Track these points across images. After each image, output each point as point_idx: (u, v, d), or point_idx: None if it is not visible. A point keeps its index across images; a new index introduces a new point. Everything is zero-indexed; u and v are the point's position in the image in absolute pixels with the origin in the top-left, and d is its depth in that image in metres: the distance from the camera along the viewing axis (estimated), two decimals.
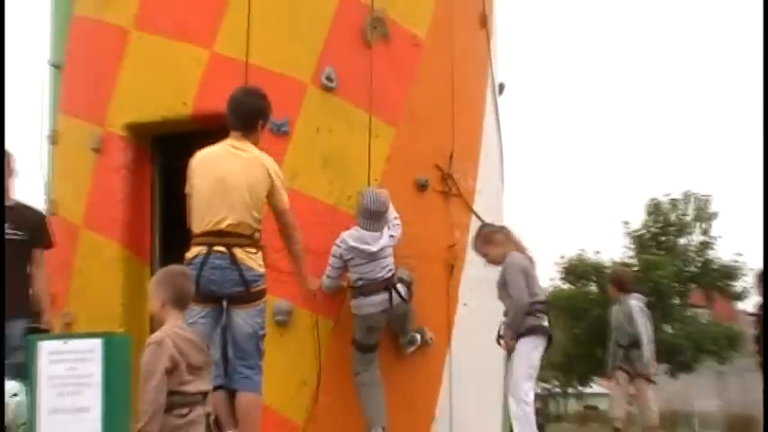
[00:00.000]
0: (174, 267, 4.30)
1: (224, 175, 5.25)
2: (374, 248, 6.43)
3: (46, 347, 4.25)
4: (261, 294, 5.26)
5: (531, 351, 6.68)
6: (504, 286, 6.82)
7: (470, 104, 7.98)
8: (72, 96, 7.73)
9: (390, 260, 6.57)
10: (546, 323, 6.79)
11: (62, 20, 7.92)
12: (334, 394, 6.63)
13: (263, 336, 5.32)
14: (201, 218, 5.24)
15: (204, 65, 6.91)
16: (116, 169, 7.21)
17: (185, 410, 3.84)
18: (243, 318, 5.21)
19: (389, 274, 6.50)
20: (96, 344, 4.25)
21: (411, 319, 6.81)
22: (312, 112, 6.94)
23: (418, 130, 7.29)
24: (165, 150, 7.54)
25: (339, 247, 6.48)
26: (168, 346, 3.84)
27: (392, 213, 6.71)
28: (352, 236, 6.48)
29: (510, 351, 6.77)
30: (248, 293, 5.16)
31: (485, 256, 7.07)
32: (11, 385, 4.50)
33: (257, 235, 5.28)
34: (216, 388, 5.06)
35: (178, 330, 3.97)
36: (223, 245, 5.12)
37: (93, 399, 4.14)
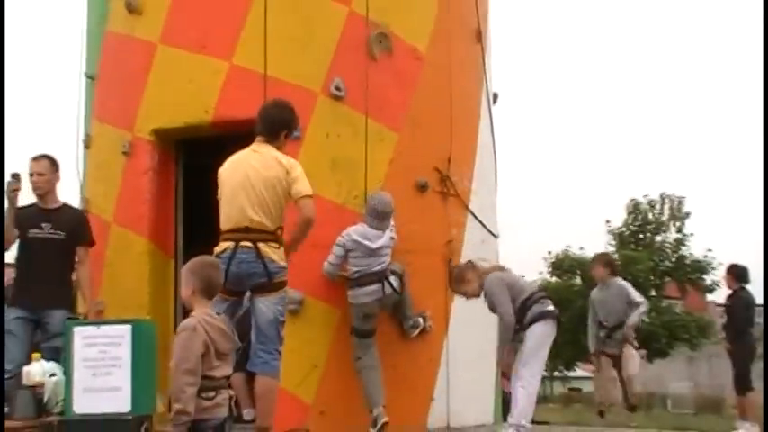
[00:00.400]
0: (206, 258, 4.24)
1: (246, 175, 5.26)
2: (374, 245, 6.48)
3: (80, 332, 4.25)
4: (282, 285, 5.27)
5: (543, 338, 6.34)
6: (494, 310, 6.50)
7: (467, 112, 7.96)
8: (104, 104, 7.73)
9: (387, 258, 6.59)
10: (551, 307, 6.52)
11: (96, 35, 7.91)
12: (341, 377, 6.62)
13: (283, 323, 5.30)
14: (228, 216, 5.26)
15: (224, 76, 6.90)
16: (144, 171, 7.21)
17: (212, 393, 3.78)
18: (265, 305, 5.20)
19: (383, 268, 6.53)
20: (126, 329, 4.24)
21: (409, 305, 6.81)
22: (322, 119, 6.93)
23: (419, 136, 7.28)
24: (188, 154, 7.54)
25: (343, 238, 6.52)
26: (201, 332, 3.78)
27: (391, 221, 6.73)
28: (357, 231, 6.51)
29: (505, 371, 6.44)
30: (271, 283, 5.18)
31: (464, 294, 6.70)
32: (49, 366, 4.50)
33: (280, 231, 5.27)
34: (235, 370, 5.08)
35: (208, 318, 3.89)
36: (249, 240, 5.15)
37: (123, 379, 4.14)
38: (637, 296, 8.48)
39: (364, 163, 6.96)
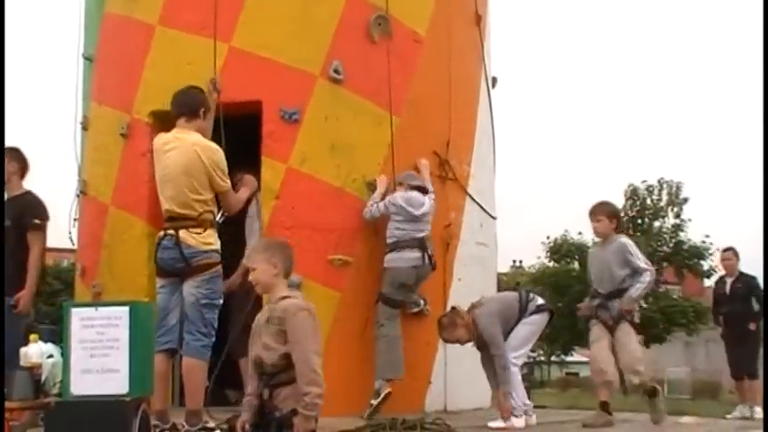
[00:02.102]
0: (284, 240, 4.27)
1: (166, 167, 5.42)
2: (418, 212, 6.65)
3: (78, 314, 4.24)
4: (203, 268, 5.32)
5: (534, 326, 6.50)
6: (483, 348, 6.46)
7: (466, 96, 7.94)
8: (102, 86, 7.69)
9: (428, 226, 6.75)
10: (542, 301, 6.59)
11: (94, 16, 7.87)
12: (340, 361, 6.62)
13: (206, 305, 5.33)
14: (161, 205, 5.51)
15: (223, 58, 6.86)
16: (142, 153, 7.17)
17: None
18: (187, 288, 5.33)
19: (424, 236, 6.69)
20: (123, 311, 4.24)
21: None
22: (321, 102, 6.91)
23: (418, 120, 7.26)
24: None
25: (391, 203, 6.67)
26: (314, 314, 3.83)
27: (429, 186, 6.98)
28: (403, 197, 6.68)
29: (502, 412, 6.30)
30: (189, 267, 5.33)
31: (458, 341, 6.50)
32: (47, 347, 4.50)
33: (206, 215, 5.35)
34: (168, 351, 5.32)
35: (302, 299, 3.94)
36: (172, 228, 5.36)
37: (120, 361, 4.14)
38: (641, 261, 6.62)
39: (363, 146, 6.95)
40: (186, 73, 6.92)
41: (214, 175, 5.36)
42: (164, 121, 7.23)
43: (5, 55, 6.43)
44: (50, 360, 4.47)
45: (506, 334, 6.38)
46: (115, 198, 7.30)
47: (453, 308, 6.62)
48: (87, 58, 7.93)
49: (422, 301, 7.01)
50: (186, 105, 5.57)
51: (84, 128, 7.85)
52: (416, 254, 6.63)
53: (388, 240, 6.68)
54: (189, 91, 5.72)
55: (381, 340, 6.57)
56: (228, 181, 5.50)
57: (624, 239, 6.80)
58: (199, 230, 5.31)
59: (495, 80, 8.76)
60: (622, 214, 33.09)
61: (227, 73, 6.79)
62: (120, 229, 7.20)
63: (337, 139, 6.88)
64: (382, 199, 6.76)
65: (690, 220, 33.06)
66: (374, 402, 6.34)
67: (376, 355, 6.56)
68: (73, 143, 7.86)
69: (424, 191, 6.85)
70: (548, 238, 32.82)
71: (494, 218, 8.46)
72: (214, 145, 5.51)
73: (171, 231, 5.35)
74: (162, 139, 5.57)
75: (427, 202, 6.78)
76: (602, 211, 6.78)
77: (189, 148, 5.36)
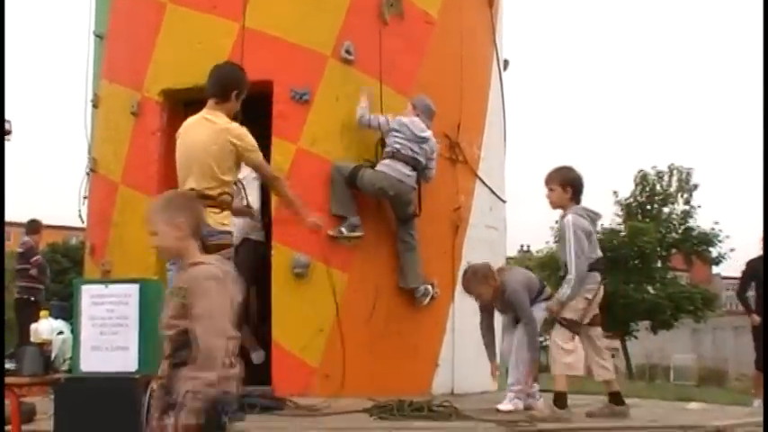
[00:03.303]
0: (186, 192, 3.69)
1: (190, 144, 5.38)
2: (421, 134, 6.73)
3: (88, 291, 4.25)
4: (218, 248, 5.28)
5: (544, 314, 6.26)
6: (506, 311, 6.39)
7: (477, 79, 7.91)
8: (113, 64, 7.69)
9: (425, 158, 6.79)
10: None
11: None
12: (347, 341, 6.65)
13: None
14: (179, 182, 5.45)
15: (234, 37, 6.84)
16: (152, 132, 7.18)
17: (232, 360, 3.06)
18: None
19: (422, 159, 6.76)
20: (133, 289, 4.24)
21: (417, 261, 6.89)
22: (332, 82, 6.89)
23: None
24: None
25: (395, 120, 6.72)
26: (228, 283, 3.14)
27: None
28: (406, 117, 6.76)
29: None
30: (204, 246, 5.27)
31: (478, 297, 6.28)
32: (57, 324, 4.52)
33: (224, 197, 5.33)
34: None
35: (221, 265, 3.23)
36: None
37: (130, 338, 4.15)
38: (572, 254, 5.72)
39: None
40: (197, 51, 6.93)
41: (247, 155, 5.32)
42: (174, 100, 7.26)
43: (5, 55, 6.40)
44: (61, 336, 4.49)
45: None
46: (125, 176, 7.32)
47: (489, 265, 6.35)
48: (98, 36, 7.92)
49: (430, 288, 6.98)
50: (218, 86, 5.47)
51: (95, 106, 7.86)
52: (407, 170, 6.69)
53: (386, 149, 6.75)
54: (223, 70, 5.59)
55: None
56: (260, 153, 5.44)
57: (569, 217, 5.83)
58: (217, 210, 5.30)
59: (506, 63, 8.72)
60: (632, 200, 33.44)
61: (238, 52, 6.77)
62: (129, 208, 7.21)
63: (348, 120, 6.86)
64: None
65: (699, 206, 33.01)
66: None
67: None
68: (83, 121, 7.87)
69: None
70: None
71: (503, 201, 8.44)
72: (241, 128, 5.43)
73: None
74: (191, 120, 5.53)
75: (431, 138, 6.83)
76: (553, 178, 5.96)
77: (218, 134, 5.30)
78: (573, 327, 5.82)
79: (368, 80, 6.95)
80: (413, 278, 6.87)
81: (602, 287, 5.96)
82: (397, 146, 6.68)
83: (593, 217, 6.01)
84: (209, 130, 5.33)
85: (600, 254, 6.02)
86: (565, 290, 5.77)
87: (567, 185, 5.92)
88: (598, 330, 6.09)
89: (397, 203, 6.81)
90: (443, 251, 7.20)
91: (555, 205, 6.02)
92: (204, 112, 5.45)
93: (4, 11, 6.30)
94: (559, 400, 5.74)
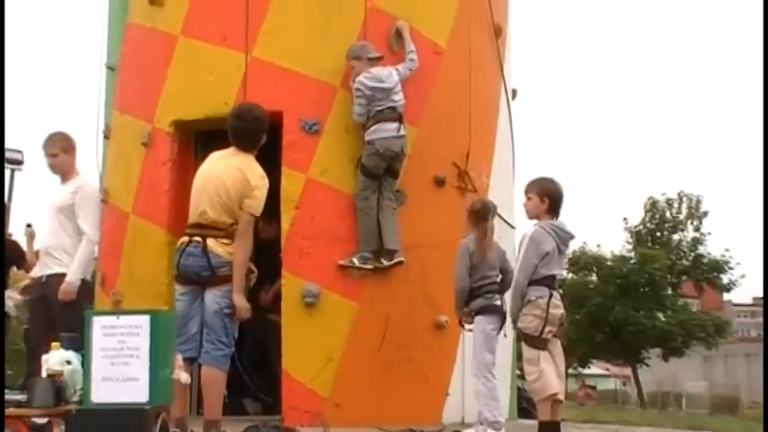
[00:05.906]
0: None
1: (207, 176, 5.47)
2: (389, 84, 6.74)
3: (100, 322, 4.26)
4: (228, 278, 5.32)
5: (485, 326, 6.05)
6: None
7: (485, 108, 7.93)
8: (124, 95, 7.75)
9: (401, 95, 6.82)
10: (497, 302, 6.15)
11: (117, 27, 7.93)
12: (357, 370, 6.62)
13: (229, 314, 5.33)
14: (190, 213, 5.52)
15: (244, 68, 6.90)
16: (163, 162, 7.22)
17: None
18: (210, 297, 5.34)
19: (397, 105, 6.78)
20: (144, 320, 4.24)
21: (393, 237, 6.84)
22: (341, 113, 6.92)
23: (437, 131, 7.25)
24: (208, 145, 7.53)
25: (360, 90, 6.71)
26: None
27: (409, 46, 7.04)
28: (367, 77, 6.72)
29: (461, 325, 6.29)
30: (215, 277, 5.32)
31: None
32: (66, 354, 4.52)
33: (235, 228, 5.35)
34: (188, 359, 5.30)
35: None
36: (200, 236, 5.37)
37: (141, 369, 4.14)
38: (517, 265, 5.89)
39: None
40: (208, 83, 6.99)
41: (248, 201, 5.33)
42: (185, 131, 7.31)
43: (5, 54, 6.43)
44: (69, 367, 4.49)
45: None
46: (136, 206, 7.35)
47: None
48: (110, 68, 7.99)
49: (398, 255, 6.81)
50: (248, 140, 5.53)
51: (107, 136, 7.91)
52: (396, 125, 6.74)
53: (369, 115, 6.74)
54: (251, 119, 5.58)
55: (360, 213, 6.75)
56: (259, 211, 5.42)
57: (532, 228, 5.79)
58: (227, 241, 5.33)
59: (515, 92, 8.76)
60: (642, 227, 33.32)
61: (249, 83, 6.83)
62: (140, 237, 7.23)
63: (357, 150, 6.89)
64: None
65: (709, 233, 32.90)
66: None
67: (358, 228, 6.76)
68: (95, 151, 7.92)
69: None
70: None
71: (513, 227, 8.44)
72: (264, 177, 5.48)
73: (197, 238, 5.37)
74: (217, 153, 5.63)
75: (393, 72, 6.83)
76: (532, 188, 5.88)
77: (235, 167, 5.39)
78: (534, 342, 5.58)
79: None
80: (394, 240, 6.82)
81: (556, 304, 5.69)
82: (376, 109, 6.71)
83: (563, 236, 5.82)
84: (225, 165, 5.42)
85: (555, 272, 5.79)
86: (508, 304, 5.82)
87: (544, 196, 5.80)
88: (557, 345, 5.77)
89: (397, 160, 6.87)
90: (452, 279, 7.17)
91: (530, 215, 5.90)
92: (230, 151, 5.55)
93: (3, 18, 6.34)
94: (541, 430, 5.47)
